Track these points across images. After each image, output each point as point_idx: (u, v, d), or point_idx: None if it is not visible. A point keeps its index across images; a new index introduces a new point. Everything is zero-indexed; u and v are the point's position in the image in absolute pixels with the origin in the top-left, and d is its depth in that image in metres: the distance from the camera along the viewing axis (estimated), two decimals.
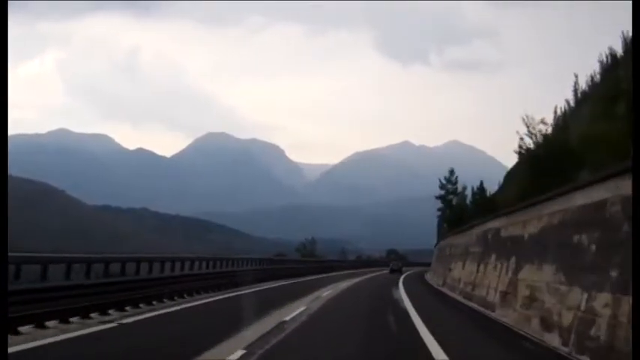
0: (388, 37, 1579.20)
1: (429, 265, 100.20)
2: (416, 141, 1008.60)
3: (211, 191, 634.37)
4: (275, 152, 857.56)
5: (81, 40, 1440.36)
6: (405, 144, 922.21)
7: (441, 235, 64.17)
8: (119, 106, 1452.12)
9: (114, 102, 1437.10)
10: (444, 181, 71.36)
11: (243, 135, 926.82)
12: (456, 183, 69.82)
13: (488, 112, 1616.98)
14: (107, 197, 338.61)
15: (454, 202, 68.69)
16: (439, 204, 72.41)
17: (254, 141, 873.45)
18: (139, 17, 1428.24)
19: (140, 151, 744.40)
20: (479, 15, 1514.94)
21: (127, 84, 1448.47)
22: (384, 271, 76.12)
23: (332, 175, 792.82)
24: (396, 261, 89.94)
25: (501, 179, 62.31)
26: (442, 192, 71.26)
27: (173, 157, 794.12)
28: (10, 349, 9.52)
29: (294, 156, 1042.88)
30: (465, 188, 68.14)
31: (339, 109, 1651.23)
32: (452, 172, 70.66)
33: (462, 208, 59.93)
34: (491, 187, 59.37)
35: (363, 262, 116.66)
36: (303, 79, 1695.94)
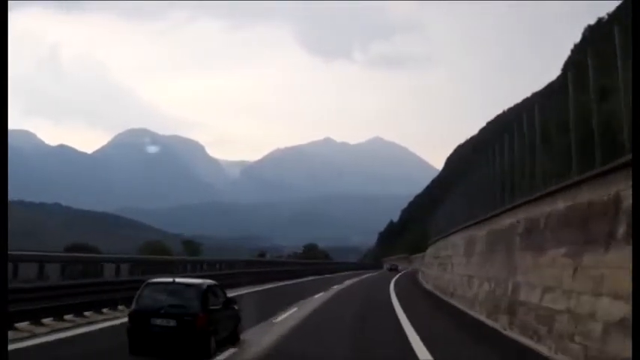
0: (311, 33, 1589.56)
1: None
2: (338, 137, 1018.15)
3: (130, 188, 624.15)
4: (195, 149, 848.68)
5: None
6: (327, 140, 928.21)
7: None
8: (42, 102, 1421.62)
9: (36, 98, 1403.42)
10: None
11: (164, 131, 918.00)
12: None
13: (412, 109, 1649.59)
14: (23, 192, 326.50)
15: None
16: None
17: (174, 137, 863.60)
18: (61, 12, 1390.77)
19: (61, 148, 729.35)
20: (405, 10, 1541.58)
21: (50, 80, 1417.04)
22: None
23: (252, 171, 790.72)
24: (392, 262, 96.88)
25: (427, 176, 58.71)
26: None
27: (94, 153, 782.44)
28: None
29: (215, 152, 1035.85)
30: None
31: (260, 105, 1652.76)
32: None
33: None
34: (419, 184, 56.33)
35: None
36: (225, 74, 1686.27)
